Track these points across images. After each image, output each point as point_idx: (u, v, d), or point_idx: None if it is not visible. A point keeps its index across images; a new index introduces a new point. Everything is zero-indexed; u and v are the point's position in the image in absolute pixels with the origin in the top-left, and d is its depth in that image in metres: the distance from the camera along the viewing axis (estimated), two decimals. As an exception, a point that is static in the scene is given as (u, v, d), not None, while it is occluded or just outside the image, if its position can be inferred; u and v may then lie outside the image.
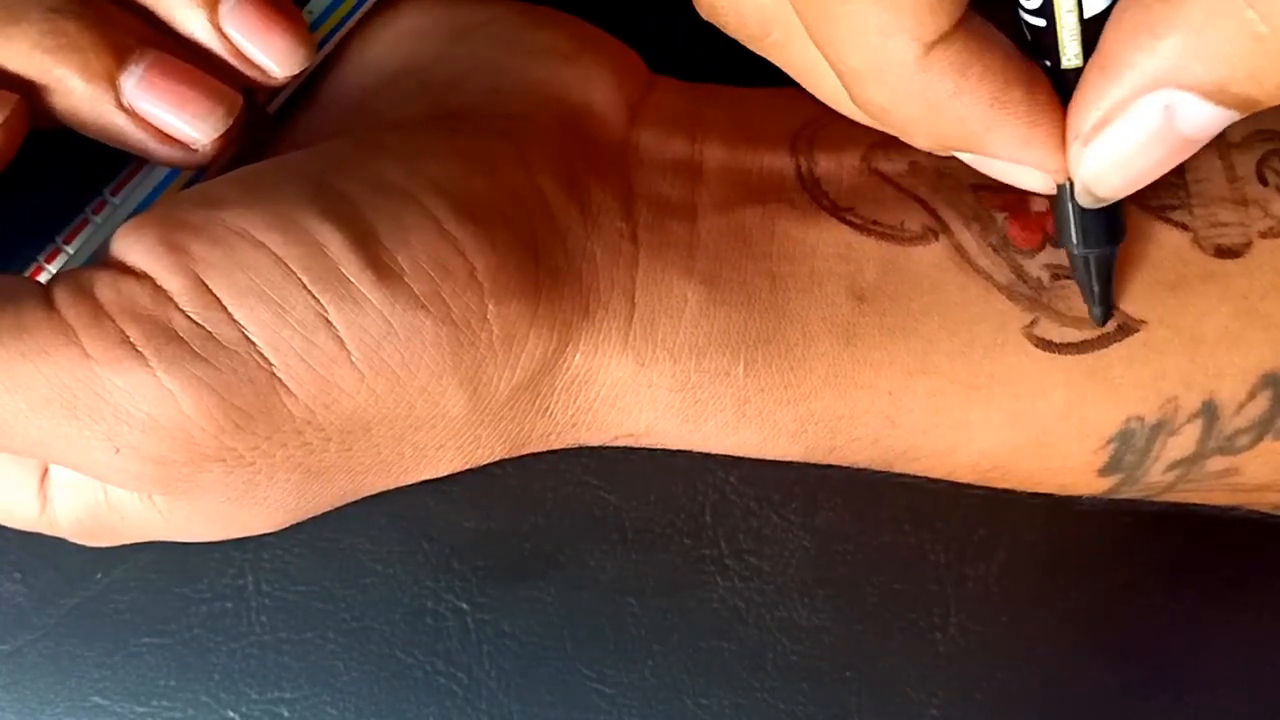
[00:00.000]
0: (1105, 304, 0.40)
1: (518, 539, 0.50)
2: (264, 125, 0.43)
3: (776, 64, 0.40)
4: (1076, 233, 0.39)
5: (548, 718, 0.49)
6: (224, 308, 0.37)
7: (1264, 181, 0.41)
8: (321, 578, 0.49)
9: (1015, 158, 0.37)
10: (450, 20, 0.44)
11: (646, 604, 0.49)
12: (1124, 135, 0.34)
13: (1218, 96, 0.33)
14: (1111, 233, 0.39)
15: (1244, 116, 0.33)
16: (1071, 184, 0.37)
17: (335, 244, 0.37)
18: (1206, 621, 0.50)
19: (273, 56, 0.41)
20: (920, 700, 0.49)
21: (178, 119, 0.40)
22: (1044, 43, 0.36)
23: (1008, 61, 0.35)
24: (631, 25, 0.45)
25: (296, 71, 0.41)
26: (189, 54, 0.41)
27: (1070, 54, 0.36)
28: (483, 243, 0.39)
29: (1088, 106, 0.35)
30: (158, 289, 0.37)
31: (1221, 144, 0.42)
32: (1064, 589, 0.50)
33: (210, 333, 0.37)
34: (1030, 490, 0.45)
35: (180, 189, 0.42)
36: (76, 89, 0.39)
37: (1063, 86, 0.36)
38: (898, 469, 0.44)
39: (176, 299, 0.37)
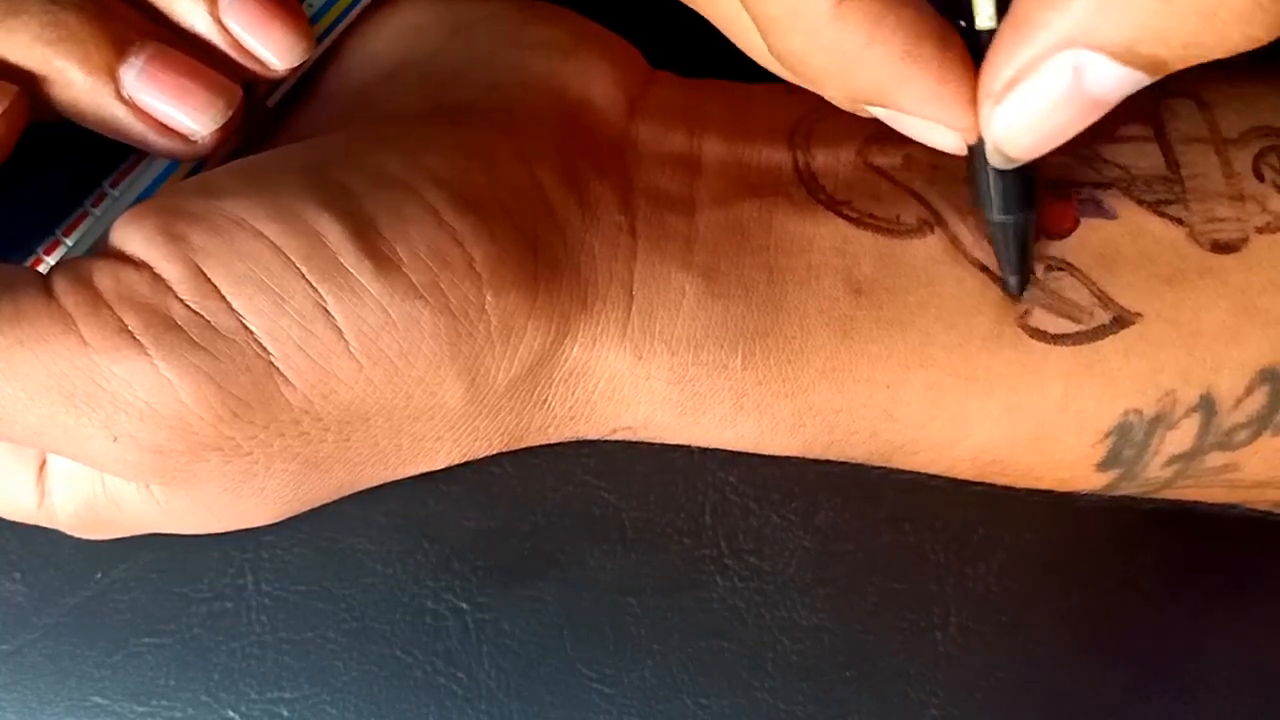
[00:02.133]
0: (1021, 273, 0.40)
1: (518, 539, 0.49)
2: (263, 118, 0.43)
3: (707, 18, 0.41)
4: (993, 198, 0.39)
5: (548, 718, 0.49)
6: (222, 296, 0.37)
7: (1261, 177, 0.41)
8: (321, 578, 0.49)
9: (926, 114, 0.37)
10: (449, 15, 0.44)
11: (646, 604, 0.49)
12: (1034, 95, 0.34)
13: (1126, 57, 0.33)
14: (1027, 199, 0.39)
15: (1154, 80, 0.33)
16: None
17: (334, 234, 0.37)
18: (1206, 621, 0.50)
19: (273, 49, 0.41)
20: (920, 700, 0.49)
21: (177, 111, 0.40)
22: (959, 3, 0.37)
23: (921, 17, 0.36)
24: (632, 21, 0.45)
25: (296, 64, 0.42)
26: (189, 46, 0.41)
27: (984, 15, 0.36)
28: (481, 234, 0.39)
29: (999, 65, 0.35)
30: (156, 277, 0.37)
31: (1218, 140, 0.42)
32: (1064, 589, 0.49)
33: (208, 321, 0.37)
34: (1029, 486, 0.45)
35: (179, 181, 0.42)
36: (76, 81, 0.39)
37: (977, 48, 0.36)
38: (895, 463, 0.44)
39: (175, 287, 0.37)
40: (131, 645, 0.49)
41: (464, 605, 0.49)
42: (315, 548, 0.49)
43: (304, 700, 0.49)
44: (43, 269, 0.41)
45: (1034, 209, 0.40)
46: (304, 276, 0.37)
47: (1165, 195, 0.41)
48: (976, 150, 0.38)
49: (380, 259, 0.38)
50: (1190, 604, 0.50)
